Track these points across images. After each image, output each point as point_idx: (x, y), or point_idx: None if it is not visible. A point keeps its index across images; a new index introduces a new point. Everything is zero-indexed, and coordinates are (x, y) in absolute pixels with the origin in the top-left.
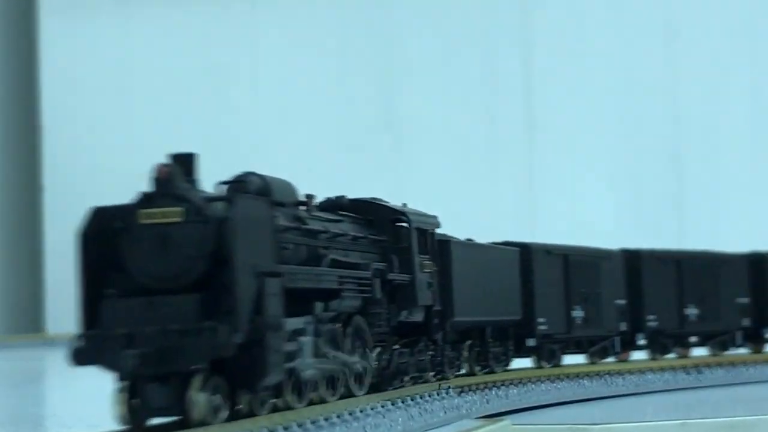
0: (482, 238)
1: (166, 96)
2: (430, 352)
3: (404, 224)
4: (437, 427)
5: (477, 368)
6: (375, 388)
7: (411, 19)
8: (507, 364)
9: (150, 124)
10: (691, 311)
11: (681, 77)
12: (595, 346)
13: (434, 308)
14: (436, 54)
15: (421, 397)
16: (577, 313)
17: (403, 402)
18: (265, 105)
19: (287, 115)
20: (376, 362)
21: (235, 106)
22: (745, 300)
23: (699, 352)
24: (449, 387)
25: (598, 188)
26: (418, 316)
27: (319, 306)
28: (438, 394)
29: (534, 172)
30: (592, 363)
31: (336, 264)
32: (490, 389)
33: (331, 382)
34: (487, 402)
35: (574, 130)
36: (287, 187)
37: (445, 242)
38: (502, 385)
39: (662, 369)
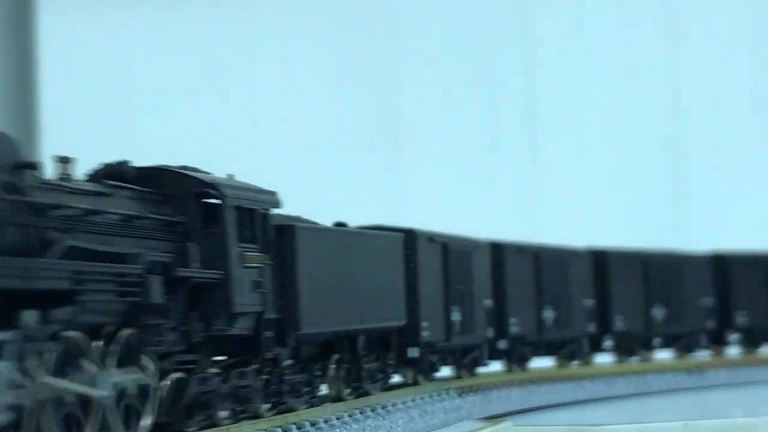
0: (482, 237)
1: (166, 96)
2: (264, 376)
3: (217, 201)
4: (438, 429)
5: (346, 391)
6: (167, 429)
7: (412, 19)
8: (386, 383)
9: (150, 124)
10: (548, 314)
11: (683, 76)
12: (467, 357)
13: (266, 316)
14: (437, 54)
15: (421, 399)
16: (456, 317)
17: (403, 403)
18: (264, 106)
19: (287, 115)
20: (167, 392)
21: (234, 106)
22: (591, 302)
23: (540, 363)
24: (450, 388)
25: (600, 187)
26: (243, 328)
27: (29, 316)
28: (438, 395)
29: (536, 172)
30: (458, 378)
31: (76, 253)
32: (491, 390)
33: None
34: (488, 403)
35: (577, 129)
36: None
37: (287, 228)
38: (504, 386)
39: (664, 370)
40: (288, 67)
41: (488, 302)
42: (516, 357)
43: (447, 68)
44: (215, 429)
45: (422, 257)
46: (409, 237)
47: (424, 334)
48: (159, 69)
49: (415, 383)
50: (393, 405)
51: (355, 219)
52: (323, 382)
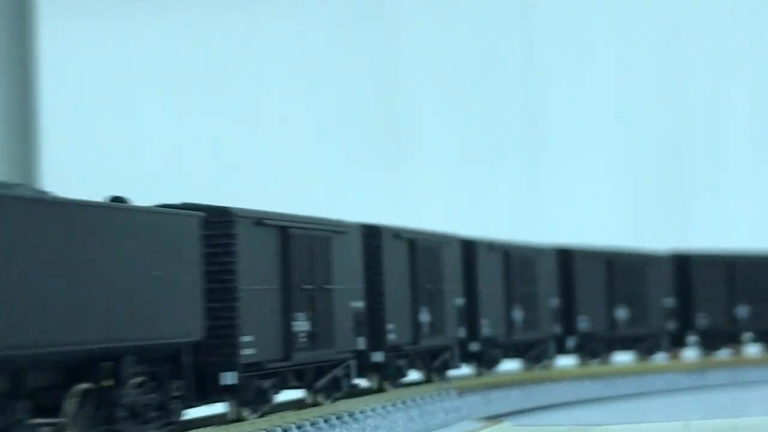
0: (483, 237)
1: (166, 96)
2: None
3: None
4: (438, 429)
5: None
6: None
7: (412, 21)
8: (170, 421)
9: (150, 125)
10: (425, 317)
11: (683, 75)
12: (323, 378)
13: None
14: (437, 55)
15: (421, 399)
16: (301, 326)
17: (403, 403)
18: (265, 106)
19: (288, 115)
20: None
21: (235, 107)
22: (461, 300)
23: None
24: (449, 388)
25: (600, 187)
26: None
27: None
28: (438, 396)
29: (537, 171)
30: (315, 404)
31: None
32: (491, 390)
33: None
34: (488, 403)
35: (577, 129)
36: None
37: None
38: (504, 386)
39: (665, 370)
40: (289, 68)
41: (359, 304)
42: (391, 372)
43: (447, 69)
44: (213, 428)
45: (245, 246)
46: (219, 218)
47: (247, 352)
48: (158, 70)
49: (239, 420)
50: (393, 405)
51: (355, 219)
52: (57, 424)
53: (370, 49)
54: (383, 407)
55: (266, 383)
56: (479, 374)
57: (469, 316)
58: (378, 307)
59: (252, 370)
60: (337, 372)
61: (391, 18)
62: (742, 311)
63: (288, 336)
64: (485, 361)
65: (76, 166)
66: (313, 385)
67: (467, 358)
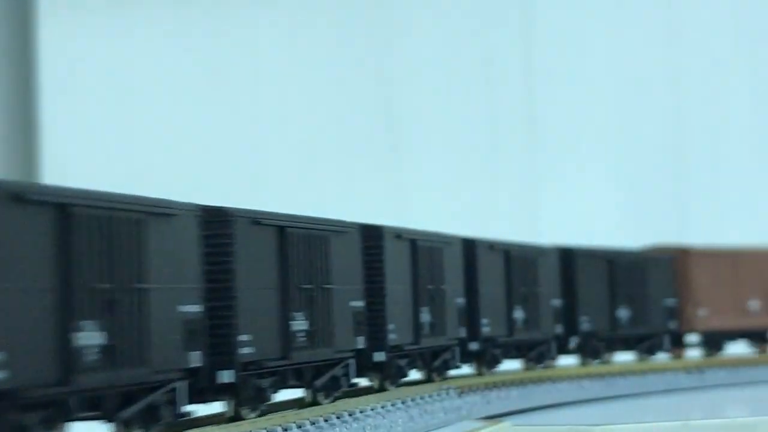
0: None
1: (166, 97)
2: None
3: None
4: (438, 428)
5: None
6: None
7: (411, 20)
8: None
9: (150, 125)
10: (300, 325)
11: (683, 75)
12: (133, 407)
13: None
14: (437, 55)
15: (421, 398)
16: (90, 337)
17: (403, 403)
18: (265, 106)
19: (287, 115)
20: None
21: (233, 107)
22: (359, 304)
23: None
24: (449, 388)
25: (601, 187)
26: None
27: None
28: (438, 395)
29: (537, 172)
30: None
31: None
32: (491, 390)
33: None
34: (488, 403)
35: (576, 128)
36: None
37: None
38: (503, 386)
39: (664, 370)
40: (288, 68)
41: (193, 308)
42: (251, 395)
43: (447, 69)
44: (213, 427)
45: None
46: None
47: None
48: (158, 70)
49: None
50: (393, 404)
51: (355, 219)
52: None
53: (370, 50)
54: (383, 406)
55: (31, 417)
56: (383, 389)
57: (372, 322)
58: (229, 317)
59: (6, 399)
60: (156, 397)
61: (391, 19)
62: (623, 313)
63: (68, 352)
64: (390, 374)
65: (76, 165)
66: (116, 415)
67: (370, 369)
